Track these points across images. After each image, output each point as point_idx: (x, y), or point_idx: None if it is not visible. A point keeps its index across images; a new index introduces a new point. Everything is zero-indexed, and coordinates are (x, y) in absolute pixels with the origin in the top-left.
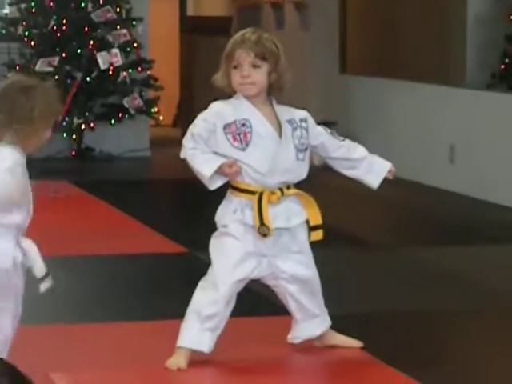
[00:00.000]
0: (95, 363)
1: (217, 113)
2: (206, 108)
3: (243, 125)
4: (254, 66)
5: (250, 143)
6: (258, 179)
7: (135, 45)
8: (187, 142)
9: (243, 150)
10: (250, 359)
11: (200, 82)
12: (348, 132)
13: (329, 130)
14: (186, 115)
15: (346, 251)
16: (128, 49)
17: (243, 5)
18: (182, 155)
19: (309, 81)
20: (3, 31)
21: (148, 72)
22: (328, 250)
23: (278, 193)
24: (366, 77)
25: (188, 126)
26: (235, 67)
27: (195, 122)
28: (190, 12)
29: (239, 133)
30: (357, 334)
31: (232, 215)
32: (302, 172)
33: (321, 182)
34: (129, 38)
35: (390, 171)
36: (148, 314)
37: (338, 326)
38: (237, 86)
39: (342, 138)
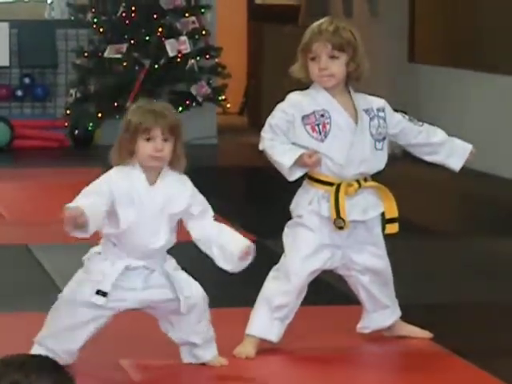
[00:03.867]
0: (164, 351)
1: (295, 104)
2: (272, 96)
3: (322, 115)
4: (332, 58)
5: (329, 134)
6: (336, 171)
7: (203, 32)
8: (266, 133)
9: (322, 140)
10: (318, 348)
11: (267, 69)
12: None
13: (407, 117)
14: (252, 103)
15: (415, 241)
16: (196, 36)
17: None
18: (261, 147)
19: (377, 69)
20: (72, 18)
21: (216, 60)
22: (397, 239)
23: (356, 185)
24: (434, 66)
25: (254, 114)
26: (313, 59)
27: (273, 113)
28: (258, 0)
29: (318, 123)
30: (426, 325)
31: (307, 206)
32: (379, 162)
33: (390, 171)
34: (197, 25)
35: (471, 153)
36: (214, 301)
37: (407, 316)
38: (315, 77)
39: (420, 123)
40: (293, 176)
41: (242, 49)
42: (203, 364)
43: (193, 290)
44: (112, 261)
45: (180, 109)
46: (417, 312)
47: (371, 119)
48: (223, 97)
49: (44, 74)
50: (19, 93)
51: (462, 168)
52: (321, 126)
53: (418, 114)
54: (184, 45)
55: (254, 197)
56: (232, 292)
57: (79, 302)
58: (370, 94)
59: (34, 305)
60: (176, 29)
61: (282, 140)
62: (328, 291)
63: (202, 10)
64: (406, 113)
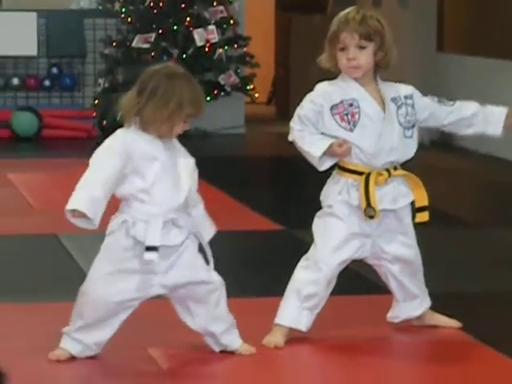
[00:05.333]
0: (191, 340)
1: (324, 94)
2: (300, 85)
3: (351, 105)
4: (360, 48)
5: (358, 123)
6: (366, 160)
7: (231, 21)
8: (295, 124)
9: (351, 130)
10: (347, 337)
11: (295, 59)
12: None
13: (436, 98)
14: (280, 93)
15: (443, 230)
16: (224, 26)
17: None
18: (290, 137)
19: (405, 59)
20: (100, 7)
21: (244, 49)
22: (425, 228)
23: (385, 174)
24: (463, 55)
25: (282, 104)
26: (341, 49)
27: (302, 103)
28: None
29: (347, 113)
30: (456, 314)
31: (337, 196)
32: (409, 150)
33: (418, 160)
34: (225, 14)
35: (507, 116)
36: (243, 291)
37: (436, 305)
38: (343, 68)
39: (451, 103)
40: (323, 166)
41: (270, 38)
42: (232, 353)
43: (212, 276)
44: (145, 220)
45: (208, 98)
46: (446, 301)
47: (399, 107)
48: (251, 86)
49: (72, 64)
50: (47, 83)
51: (492, 157)
52: (349, 116)
53: None
54: (212, 34)
55: (282, 186)
56: (260, 282)
57: (116, 277)
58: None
59: (63, 295)
60: (204, 18)
61: (311, 130)
62: (357, 281)
63: (230, 0)
64: None
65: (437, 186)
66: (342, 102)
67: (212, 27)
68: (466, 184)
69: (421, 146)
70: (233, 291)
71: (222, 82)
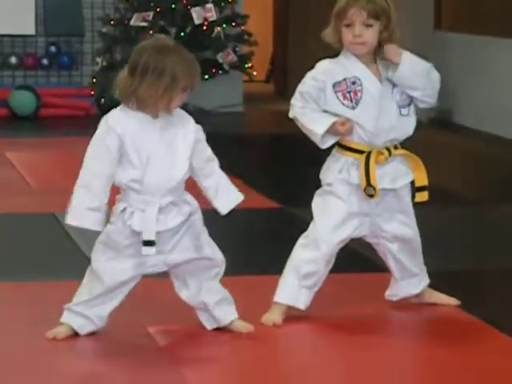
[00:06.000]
0: (191, 318)
1: (326, 71)
2: (298, 63)
3: (353, 83)
4: (367, 25)
5: (360, 101)
6: (367, 138)
7: (229, 0)
8: (296, 100)
9: (353, 108)
10: (345, 316)
11: (293, 37)
12: (444, 89)
13: None
14: (278, 71)
15: (442, 208)
16: (222, 4)
17: None
18: (291, 114)
19: (402, 37)
20: None
21: (242, 27)
22: (425, 206)
23: (386, 153)
24: (461, 33)
25: (281, 82)
26: (347, 25)
27: (304, 80)
28: None
29: (349, 91)
30: (453, 292)
31: (337, 174)
32: (407, 128)
33: (416, 138)
34: None
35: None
36: (241, 269)
37: (434, 283)
38: (348, 44)
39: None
40: (325, 144)
41: (268, 16)
42: (230, 331)
43: (215, 252)
44: (142, 208)
45: (206, 77)
46: (444, 279)
47: (394, 86)
48: (249, 64)
49: (70, 43)
50: (45, 61)
51: (490, 134)
52: (352, 94)
53: (445, 80)
54: (210, 12)
55: (280, 165)
56: (259, 259)
57: (120, 258)
58: None
59: (62, 273)
60: None
61: (313, 107)
62: (356, 258)
63: None
64: None
65: (435, 163)
66: (344, 79)
67: (210, 5)
68: (463, 161)
69: (419, 124)
70: (231, 269)
71: (220, 61)
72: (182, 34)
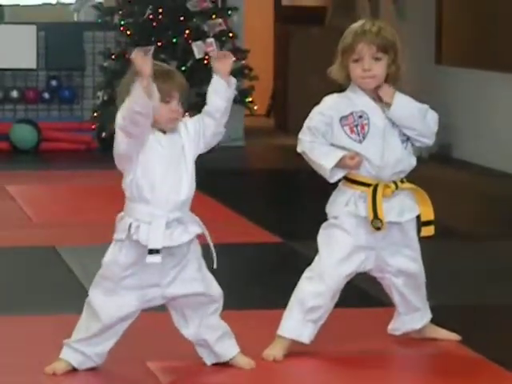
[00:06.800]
0: (190, 352)
1: (333, 105)
2: (298, 98)
3: (360, 116)
4: (376, 59)
5: (368, 135)
6: (374, 172)
7: (230, 34)
8: (304, 135)
9: (360, 141)
10: (348, 351)
11: (294, 71)
12: (444, 123)
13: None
14: (279, 105)
15: (441, 242)
16: (223, 38)
17: None
18: (299, 149)
19: (404, 71)
20: (99, 20)
21: (243, 62)
22: (425, 240)
23: (393, 186)
24: (462, 68)
25: (281, 116)
26: (356, 60)
27: (311, 115)
28: (285, 1)
29: (356, 124)
30: (455, 327)
31: (344, 207)
32: (411, 160)
33: (417, 173)
34: (224, 27)
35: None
36: (242, 303)
37: (435, 318)
38: (357, 79)
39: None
40: (334, 178)
41: (269, 51)
42: (231, 366)
43: (213, 287)
44: (148, 221)
45: None
46: (445, 314)
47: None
48: (250, 99)
49: (71, 77)
50: (46, 95)
51: (489, 169)
52: (359, 127)
53: (446, 115)
54: (211, 47)
55: (281, 199)
56: (259, 294)
57: (118, 291)
58: None
59: (62, 307)
60: (203, 31)
61: (321, 142)
62: (358, 293)
63: (229, 12)
64: None
65: (435, 198)
66: (351, 113)
67: (211, 40)
68: (464, 196)
69: (420, 159)
70: (232, 303)
71: None
72: (183, 68)
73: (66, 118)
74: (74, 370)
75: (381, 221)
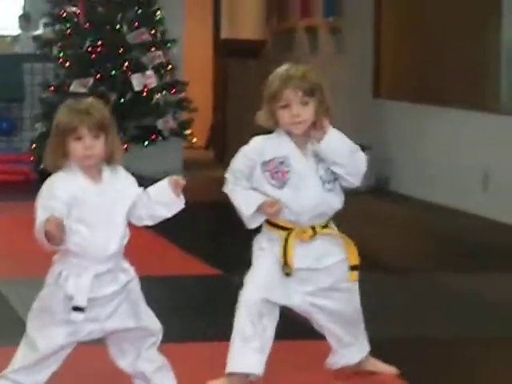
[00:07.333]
0: None
1: (257, 149)
2: (237, 130)
3: (282, 163)
4: (303, 104)
5: (288, 182)
6: (293, 218)
7: (169, 66)
8: (229, 175)
9: (280, 188)
10: None
11: (233, 104)
12: (382, 156)
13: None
14: (218, 137)
15: (375, 276)
16: (162, 71)
17: (278, 28)
18: (225, 189)
19: (342, 105)
20: (38, 52)
21: (182, 94)
22: (361, 275)
23: (310, 231)
24: (399, 101)
25: (220, 148)
26: (283, 107)
27: (236, 156)
28: (224, 35)
29: (277, 171)
30: (392, 360)
31: (261, 249)
32: (333, 203)
33: (354, 206)
34: (163, 59)
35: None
36: (181, 336)
37: (373, 350)
38: (286, 125)
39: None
40: (253, 224)
41: (208, 83)
42: None
43: (152, 323)
44: (77, 274)
45: (146, 143)
46: (383, 347)
47: (320, 161)
48: (189, 131)
49: (10, 108)
50: None
51: (426, 202)
52: (280, 174)
53: (384, 148)
54: (150, 79)
55: (220, 232)
56: (195, 326)
57: (55, 324)
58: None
59: (0, 339)
60: (142, 63)
61: (243, 185)
62: (295, 326)
63: (168, 45)
64: (370, 148)
65: (371, 231)
66: (273, 159)
67: (150, 72)
68: (401, 230)
69: (357, 192)
70: (170, 336)
71: (160, 127)
72: (122, 100)
73: (4, 149)
74: None
75: (289, 267)
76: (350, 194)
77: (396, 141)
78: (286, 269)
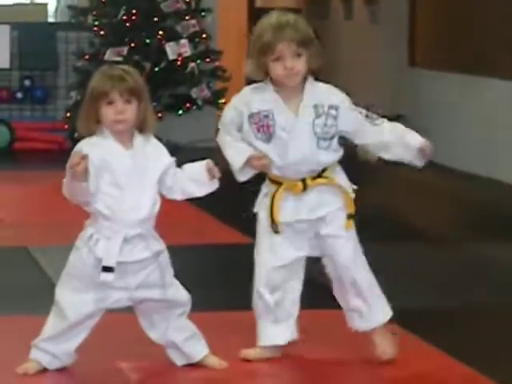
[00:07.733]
0: (162, 353)
1: (245, 100)
2: None
3: (266, 116)
4: (297, 56)
5: (274, 136)
6: (279, 172)
7: (204, 35)
8: (220, 127)
9: (267, 142)
10: (326, 352)
11: None
12: (417, 126)
13: (364, 113)
14: None
15: (409, 245)
16: (196, 39)
17: None
18: (217, 139)
19: (377, 74)
20: (73, 21)
21: (216, 63)
22: (391, 242)
23: (300, 184)
24: (435, 71)
25: None
26: (276, 59)
27: (226, 107)
28: (258, 3)
29: (262, 124)
30: (422, 329)
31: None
32: (323, 160)
33: (385, 174)
34: (198, 28)
35: (421, 148)
36: (211, 305)
37: (402, 320)
38: (279, 77)
39: (377, 122)
40: (243, 177)
41: (242, 52)
42: (202, 366)
43: (180, 294)
44: (108, 237)
45: (180, 112)
46: (412, 316)
47: (318, 116)
48: (223, 100)
49: (44, 77)
50: (19, 95)
51: (460, 171)
52: (265, 127)
53: (419, 118)
54: (184, 48)
55: (253, 199)
56: (226, 296)
57: (84, 290)
58: (371, 98)
59: (33, 307)
60: (176, 32)
61: (235, 136)
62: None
63: (203, 14)
64: (405, 116)
65: (406, 199)
66: (258, 112)
67: (184, 41)
68: (435, 198)
69: (370, 162)
70: (200, 305)
71: (194, 96)
72: (157, 69)
73: (38, 117)
74: (46, 369)
75: (276, 224)
76: (377, 163)
77: (431, 110)
78: (273, 227)
